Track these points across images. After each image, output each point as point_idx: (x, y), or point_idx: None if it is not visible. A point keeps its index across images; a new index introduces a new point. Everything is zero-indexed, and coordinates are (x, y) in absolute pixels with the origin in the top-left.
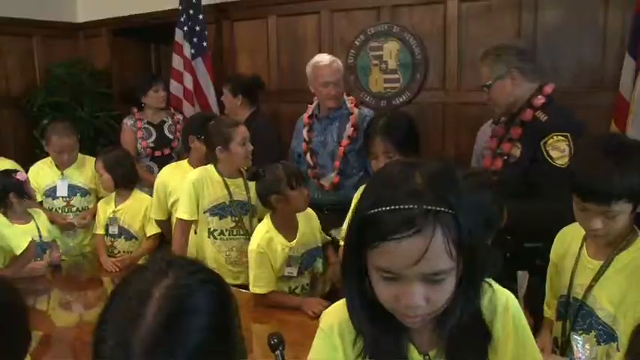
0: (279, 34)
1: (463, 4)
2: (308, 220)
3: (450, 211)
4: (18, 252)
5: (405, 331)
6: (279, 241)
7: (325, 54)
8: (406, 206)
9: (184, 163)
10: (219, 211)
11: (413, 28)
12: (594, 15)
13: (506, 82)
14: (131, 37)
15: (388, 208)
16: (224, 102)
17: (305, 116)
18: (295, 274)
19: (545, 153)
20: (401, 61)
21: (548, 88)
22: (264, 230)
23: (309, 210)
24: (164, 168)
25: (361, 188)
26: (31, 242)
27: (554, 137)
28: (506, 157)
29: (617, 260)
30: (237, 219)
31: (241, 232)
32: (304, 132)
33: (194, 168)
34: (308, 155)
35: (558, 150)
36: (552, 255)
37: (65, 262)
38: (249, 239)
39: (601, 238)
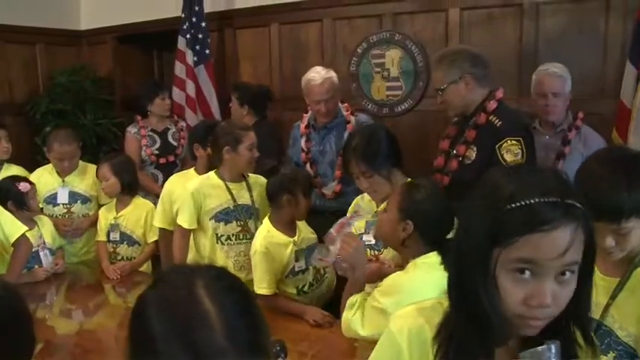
0: (281, 41)
1: (464, 11)
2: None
3: (585, 210)
4: (12, 240)
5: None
6: (282, 238)
7: (321, 68)
8: (555, 199)
9: (191, 171)
10: (224, 216)
11: (415, 35)
12: (595, 22)
13: (459, 86)
14: (134, 45)
15: (539, 200)
16: (231, 108)
17: (302, 126)
18: (304, 266)
19: (500, 156)
20: (403, 68)
21: (499, 93)
22: (265, 231)
23: None
24: (171, 177)
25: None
26: (25, 236)
27: (509, 142)
28: (461, 159)
29: (634, 276)
30: (242, 223)
31: (247, 237)
32: (302, 142)
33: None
34: (308, 165)
35: (512, 153)
36: None
37: (67, 269)
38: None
39: (615, 255)
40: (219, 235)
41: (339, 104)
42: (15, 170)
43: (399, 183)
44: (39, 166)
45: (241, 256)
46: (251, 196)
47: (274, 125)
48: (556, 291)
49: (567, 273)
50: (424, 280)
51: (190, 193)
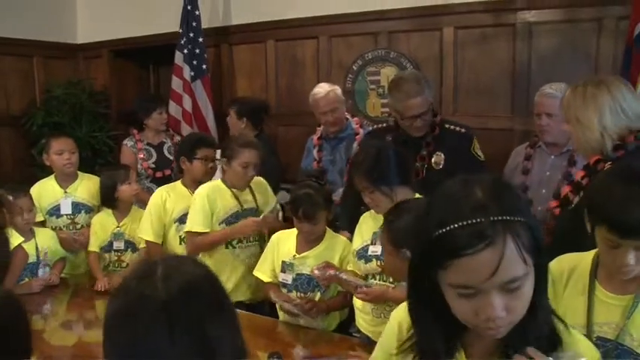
0: (277, 58)
1: (459, 30)
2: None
3: (517, 218)
4: None
5: (458, 338)
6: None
7: (325, 83)
8: (474, 220)
9: (178, 184)
10: (233, 219)
11: (410, 53)
12: (587, 43)
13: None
14: (130, 59)
15: (456, 225)
16: (229, 123)
17: (315, 138)
18: (290, 281)
19: (476, 155)
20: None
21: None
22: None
23: None
24: (158, 190)
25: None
26: (20, 247)
27: (476, 143)
28: (426, 166)
29: None
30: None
31: (257, 238)
32: (314, 152)
33: (187, 189)
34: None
35: (481, 150)
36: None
37: (68, 280)
38: (263, 244)
39: (630, 273)
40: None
41: (350, 118)
42: None
43: (406, 197)
44: (35, 178)
45: (252, 258)
46: (255, 201)
47: (271, 140)
48: (507, 302)
49: (513, 285)
50: None
51: (205, 195)
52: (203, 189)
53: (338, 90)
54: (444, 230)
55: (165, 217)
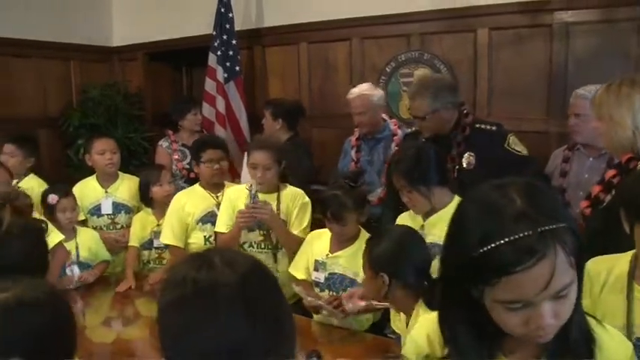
0: (310, 60)
1: (493, 32)
2: None
3: (561, 224)
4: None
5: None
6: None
7: (364, 84)
8: (521, 234)
9: (197, 187)
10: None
11: (443, 55)
12: (626, 44)
13: (441, 113)
14: (164, 61)
15: (502, 241)
16: (264, 124)
17: (353, 139)
18: (322, 280)
19: (512, 150)
20: None
21: (466, 108)
22: None
23: None
24: (177, 195)
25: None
26: (61, 244)
27: (511, 138)
28: (457, 167)
29: None
30: (265, 233)
31: (269, 247)
32: (352, 153)
33: (205, 190)
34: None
35: (519, 145)
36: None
37: (111, 278)
38: (275, 254)
39: None
40: (242, 241)
41: (387, 119)
42: (34, 182)
43: (444, 201)
44: (71, 179)
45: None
46: (278, 209)
47: (305, 142)
48: (556, 308)
49: (563, 292)
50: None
51: (229, 198)
52: (230, 191)
53: (372, 95)
54: (488, 247)
55: (187, 220)
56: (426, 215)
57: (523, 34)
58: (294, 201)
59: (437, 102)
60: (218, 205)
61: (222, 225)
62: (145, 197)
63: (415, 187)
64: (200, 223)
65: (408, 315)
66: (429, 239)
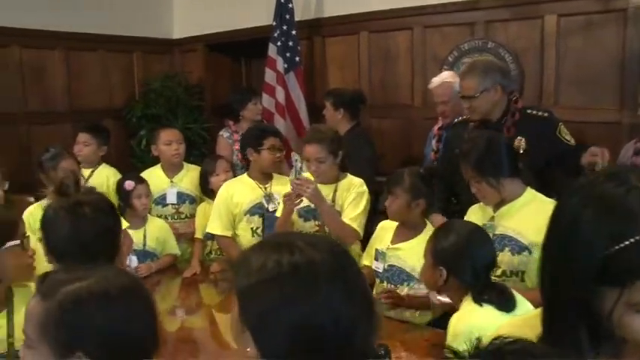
0: (370, 50)
1: (562, 18)
2: None
3: None
4: None
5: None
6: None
7: (447, 73)
8: None
9: (245, 177)
10: (304, 213)
11: (508, 44)
12: None
13: (490, 94)
14: (223, 53)
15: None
16: (325, 115)
17: (435, 128)
18: (381, 270)
19: (563, 139)
20: None
21: (516, 93)
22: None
23: None
24: (224, 184)
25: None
26: (125, 232)
27: (561, 126)
28: None
29: None
30: (319, 223)
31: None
32: (433, 142)
33: (254, 180)
34: (436, 163)
35: (568, 135)
36: None
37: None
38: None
39: None
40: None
41: None
42: (108, 172)
43: (515, 192)
44: (133, 169)
45: None
46: (333, 200)
47: (367, 131)
48: None
49: None
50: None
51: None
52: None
53: (456, 80)
54: (622, 246)
55: (234, 210)
56: (497, 206)
57: (594, 20)
58: (349, 189)
59: (486, 81)
60: (267, 196)
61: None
62: (205, 188)
63: (485, 178)
64: (248, 215)
65: (455, 303)
66: (498, 230)
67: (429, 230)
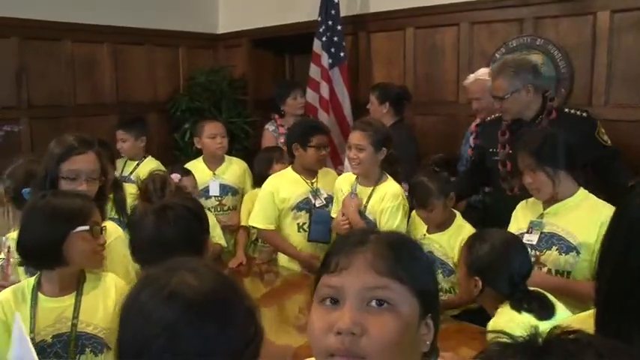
0: (416, 45)
1: (615, 14)
2: None
3: None
4: None
5: None
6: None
7: (480, 69)
8: None
9: (289, 171)
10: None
11: (558, 41)
12: None
13: (522, 94)
14: (267, 48)
15: None
16: (369, 109)
17: (473, 125)
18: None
19: (601, 140)
20: (544, 74)
21: (551, 93)
22: None
23: None
24: (269, 178)
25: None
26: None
27: (600, 127)
28: None
29: None
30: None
31: None
32: (471, 139)
33: (299, 175)
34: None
35: (606, 135)
36: None
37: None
38: None
39: None
40: None
41: None
42: (153, 165)
43: (569, 190)
44: (176, 161)
45: None
46: (366, 204)
47: (412, 128)
48: None
49: None
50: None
51: (340, 188)
52: (341, 178)
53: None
54: None
55: (280, 206)
56: (547, 203)
57: None
58: (382, 199)
59: (517, 81)
60: (313, 191)
61: (334, 212)
62: (260, 177)
63: (542, 167)
64: (295, 210)
65: (490, 312)
66: (546, 229)
67: (458, 223)
